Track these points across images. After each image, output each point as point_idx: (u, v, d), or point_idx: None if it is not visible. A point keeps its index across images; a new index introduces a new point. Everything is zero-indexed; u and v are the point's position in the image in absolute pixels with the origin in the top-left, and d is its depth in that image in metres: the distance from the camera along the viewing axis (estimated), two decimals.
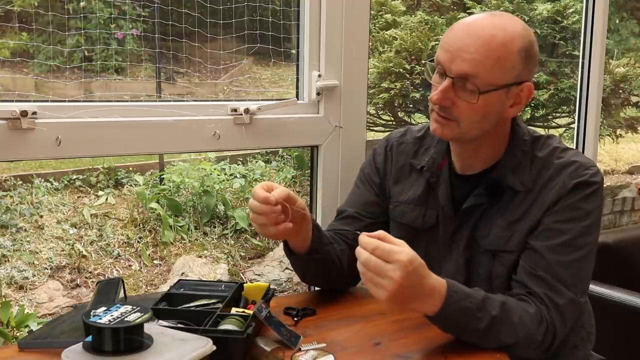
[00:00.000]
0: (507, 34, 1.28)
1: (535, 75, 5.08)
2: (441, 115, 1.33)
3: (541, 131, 1.51)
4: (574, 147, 2.75)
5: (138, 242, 4.28)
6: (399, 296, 1.14)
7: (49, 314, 3.60)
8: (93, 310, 1.04)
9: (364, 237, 1.17)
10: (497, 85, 1.28)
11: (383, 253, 1.14)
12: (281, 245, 1.47)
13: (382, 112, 5.12)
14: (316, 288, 1.61)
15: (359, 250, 1.16)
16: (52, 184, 4.48)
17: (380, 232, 1.18)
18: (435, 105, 1.32)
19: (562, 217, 1.32)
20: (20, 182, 4.35)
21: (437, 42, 4.43)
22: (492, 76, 1.27)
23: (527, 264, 1.32)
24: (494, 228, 1.37)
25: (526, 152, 1.38)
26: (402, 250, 1.14)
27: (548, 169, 1.36)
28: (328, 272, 1.46)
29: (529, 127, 1.45)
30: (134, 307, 1.05)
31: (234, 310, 1.26)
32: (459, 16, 4.78)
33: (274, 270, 4.29)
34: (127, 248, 4.23)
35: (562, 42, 5.11)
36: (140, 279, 4.06)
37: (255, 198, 1.30)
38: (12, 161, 4.04)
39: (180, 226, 4.47)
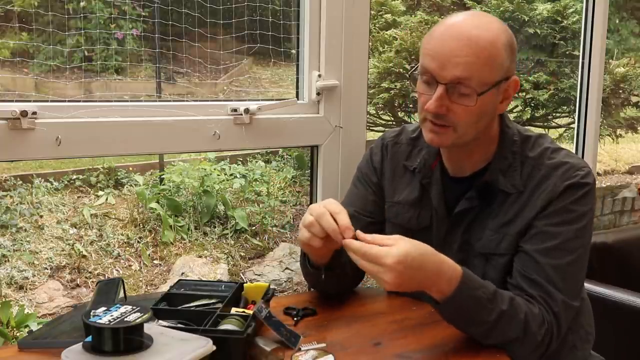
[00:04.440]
0: (491, 32, 1.27)
1: (535, 75, 5.08)
2: (437, 124, 1.31)
3: (540, 131, 1.49)
4: (574, 147, 2.75)
5: (138, 242, 4.27)
6: (401, 288, 1.18)
7: (49, 314, 3.60)
8: (93, 310, 1.04)
9: (351, 243, 1.20)
10: (490, 84, 1.28)
11: (371, 258, 1.16)
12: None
13: (382, 112, 5.11)
14: None
15: (352, 256, 1.20)
16: (52, 184, 4.48)
17: (368, 236, 1.20)
18: (430, 114, 1.30)
19: (553, 220, 1.31)
20: (20, 182, 4.35)
21: None
22: (485, 76, 1.26)
23: (520, 268, 1.32)
24: (486, 231, 1.37)
25: (516, 152, 1.38)
26: (388, 252, 1.16)
27: (539, 170, 1.35)
28: (341, 282, 1.47)
29: (519, 127, 1.44)
30: (134, 307, 1.05)
31: (234, 310, 1.26)
32: None
33: (274, 270, 4.29)
34: (127, 248, 4.23)
35: (562, 42, 5.11)
36: (140, 279, 4.06)
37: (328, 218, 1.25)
38: (12, 161, 4.04)
39: (180, 226, 4.47)
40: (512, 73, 1.33)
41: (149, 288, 3.97)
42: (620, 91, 5.38)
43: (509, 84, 1.32)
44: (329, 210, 1.25)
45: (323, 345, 1.23)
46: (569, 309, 1.32)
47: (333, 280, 1.43)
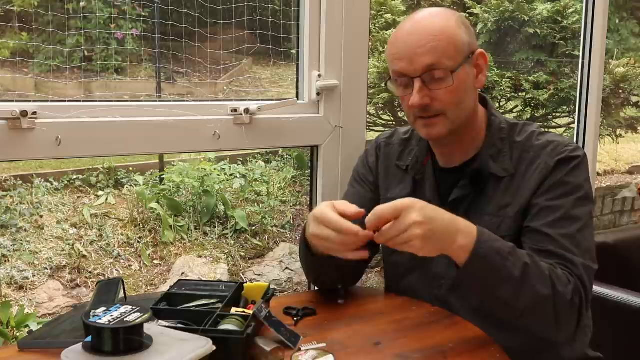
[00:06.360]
0: (441, 17, 1.37)
1: (535, 75, 5.08)
2: (427, 116, 1.37)
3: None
4: None
5: (138, 242, 4.27)
6: (431, 236, 1.18)
7: (49, 314, 3.60)
8: (93, 311, 1.03)
9: (367, 222, 1.20)
10: (459, 61, 1.34)
11: (387, 215, 1.18)
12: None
13: (382, 112, 5.11)
14: (316, 288, 1.61)
15: (374, 235, 1.21)
16: (52, 184, 4.48)
17: (374, 209, 1.21)
18: (417, 109, 1.36)
19: (552, 194, 1.34)
20: (20, 182, 4.35)
21: None
22: (452, 55, 1.33)
23: (532, 244, 1.33)
24: (485, 216, 1.39)
25: (504, 139, 1.43)
26: (399, 200, 1.19)
27: (528, 152, 1.40)
28: (344, 271, 1.47)
29: (505, 117, 1.50)
30: (134, 307, 1.05)
31: (233, 310, 1.26)
32: None
33: (274, 270, 4.29)
34: (127, 248, 4.23)
35: (562, 42, 5.11)
36: (140, 279, 4.06)
37: (335, 228, 1.23)
38: (12, 161, 4.04)
39: (180, 226, 4.47)
40: (476, 47, 1.40)
41: (149, 288, 3.97)
42: (620, 91, 5.38)
43: (477, 57, 1.40)
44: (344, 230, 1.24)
45: (323, 345, 1.23)
46: (590, 271, 1.32)
47: (337, 269, 1.43)
